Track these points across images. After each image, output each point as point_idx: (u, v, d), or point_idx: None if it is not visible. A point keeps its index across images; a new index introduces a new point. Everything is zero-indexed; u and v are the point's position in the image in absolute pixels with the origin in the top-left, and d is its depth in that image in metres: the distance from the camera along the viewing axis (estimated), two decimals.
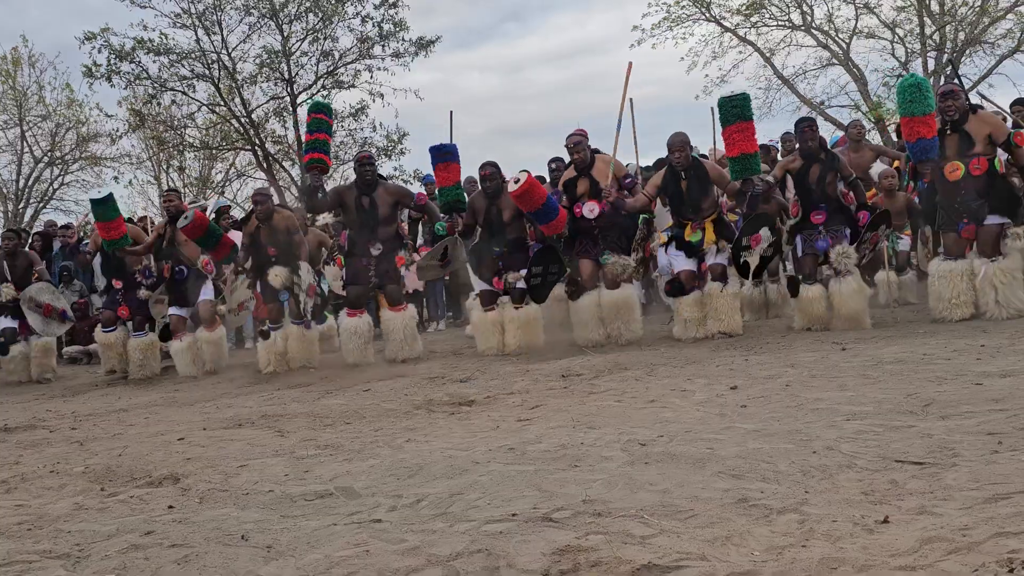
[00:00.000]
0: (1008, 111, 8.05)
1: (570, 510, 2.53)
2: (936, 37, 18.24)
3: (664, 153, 7.21)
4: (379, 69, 18.12)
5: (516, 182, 6.77)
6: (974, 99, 7.79)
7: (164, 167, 21.15)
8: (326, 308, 8.91)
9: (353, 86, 18.40)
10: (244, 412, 5.20)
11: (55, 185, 21.45)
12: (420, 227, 10.57)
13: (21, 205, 20.87)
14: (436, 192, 8.05)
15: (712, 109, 7.17)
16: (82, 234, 11.99)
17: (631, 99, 7.16)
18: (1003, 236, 6.49)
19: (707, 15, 19.24)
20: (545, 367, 5.94)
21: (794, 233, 7.03)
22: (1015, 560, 1.92)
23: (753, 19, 19.14)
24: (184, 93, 18.10)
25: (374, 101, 18.34)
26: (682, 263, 7.02)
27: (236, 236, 8.12)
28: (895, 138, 11.24)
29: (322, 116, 7.54)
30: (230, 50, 17.78)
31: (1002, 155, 6.57)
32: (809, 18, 19.02)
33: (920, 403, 3.67)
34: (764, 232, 6.87)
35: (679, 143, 6.94)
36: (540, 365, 6.10)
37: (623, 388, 4.83)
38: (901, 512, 2.33)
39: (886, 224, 7.08)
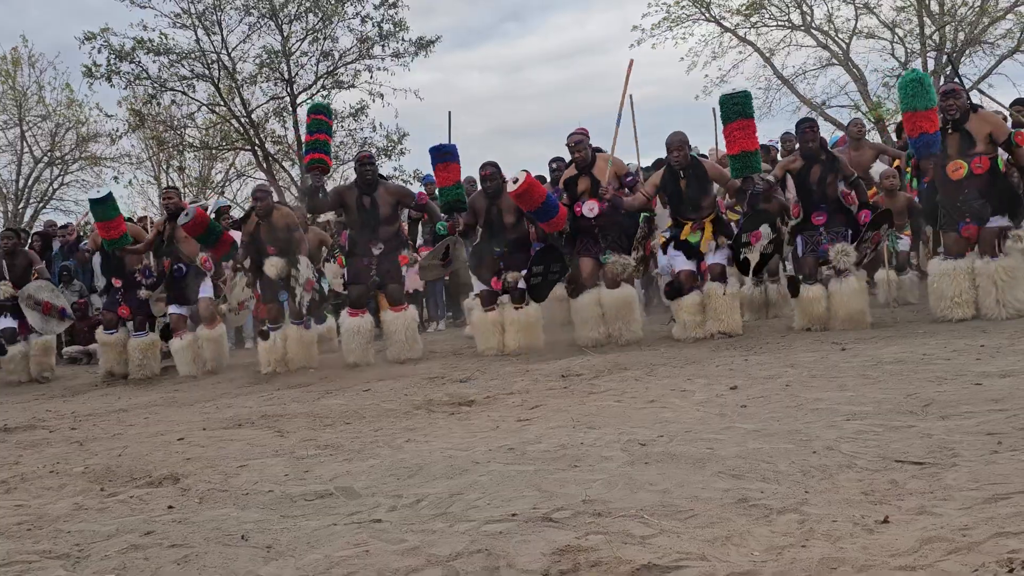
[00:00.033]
0: (1007, 109, 8.05)
1: (570, 510, 2.53)
2: (936, 37, 18.22)
3: (664, 153, 7.22)
4: (379, 69, 18.12)
5: (515, 182, 6.78)
6: (974, 98, 7.78)
7: (164, 167, 21.14)
8: (325, 307, 8.90)
9: (353, 86, 18.40)
10: (244, 412, 5.20)
11: (55, 185, 21.47)
12: (420, 227, 10.58)
13: (21, 205, 20.86)
14: (436, 192, 8.06)
15: (713, 109, 7.19)
16: (81, 233, 11.98)
17: (631, 96, 7.19)
18: (1004, 237, 6.49)
19: (707, 15, 19.21)
20: (545, 367, 5.94)
21: (795, 234, 7.04)
22: (1015, 560, 1.92)
23: (753, 19, 19.12)
24: (184, 93, 18.10)
25: (374, 101, 18.34)
26: (681, 263, 7.03)
27: (236, 236, 8.12)
28: (895, 138, 11.24)
29: (322, 117, 7.56)
30: (230, 50, 17.78)
31: (1002, 155, 6.57)
32: (809, 18, 19.00)
33: (920, 403, 3.67)
34: (764, 229, 6.87)
35: (677, 142, 6.95)
36: (540, 365, 6.09)
37: (623, 388, 4.83)
38: (901, 512, 2.33)
39: (888, 223, 7.08)
